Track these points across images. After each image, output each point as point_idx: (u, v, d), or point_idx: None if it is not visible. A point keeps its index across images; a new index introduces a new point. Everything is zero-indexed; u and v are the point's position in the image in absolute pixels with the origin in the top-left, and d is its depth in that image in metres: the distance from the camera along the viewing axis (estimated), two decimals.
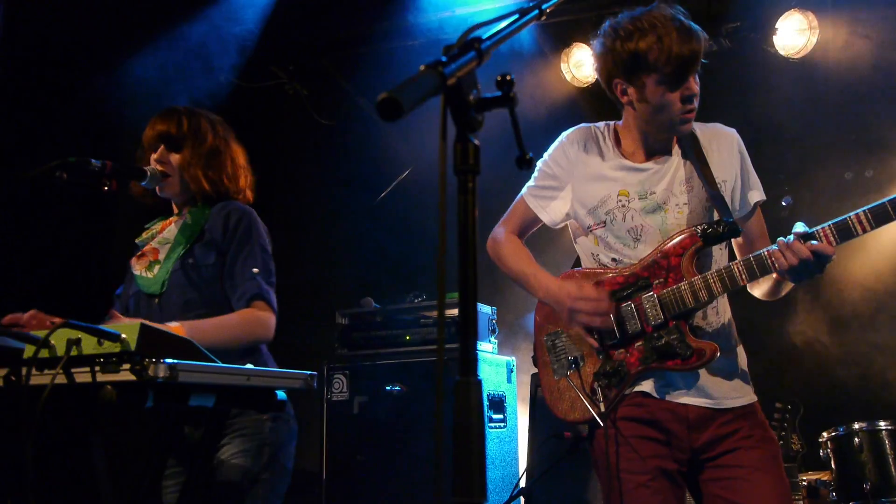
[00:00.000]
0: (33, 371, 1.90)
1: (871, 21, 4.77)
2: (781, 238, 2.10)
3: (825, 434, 4.12)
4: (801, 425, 3.31)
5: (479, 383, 0.98)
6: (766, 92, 4.99)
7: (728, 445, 2.18)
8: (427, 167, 5.42)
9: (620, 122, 2.38)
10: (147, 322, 1.84)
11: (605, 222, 2.28)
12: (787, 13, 4.73)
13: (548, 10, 1.41)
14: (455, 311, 3.91)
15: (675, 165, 2.28)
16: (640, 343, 2.20)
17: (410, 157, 5.76)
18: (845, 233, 2.08)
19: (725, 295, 2.27)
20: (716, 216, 2.23)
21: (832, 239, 2.08)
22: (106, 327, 1.83)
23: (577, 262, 2.45)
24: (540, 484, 3.92)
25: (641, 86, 2.19)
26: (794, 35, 4.77)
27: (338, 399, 4.47)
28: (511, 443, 4.55)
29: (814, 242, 2.05)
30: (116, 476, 2.24)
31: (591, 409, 2.18)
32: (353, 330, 4.62)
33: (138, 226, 2.84)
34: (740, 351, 2.32)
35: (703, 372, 2.18)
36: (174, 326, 2.21)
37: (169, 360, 1.77)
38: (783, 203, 5.39)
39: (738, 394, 2.24)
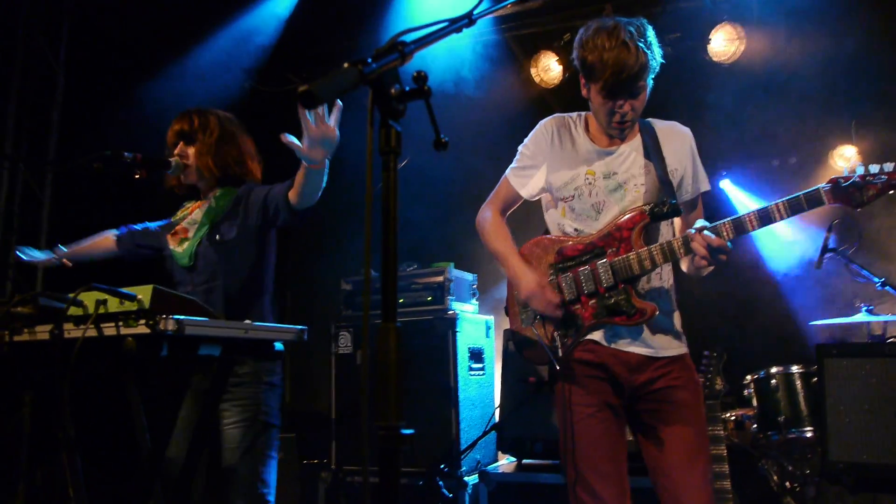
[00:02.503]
0: (70, 326, 1.94)
1: (789, 32, 4.74)
2: (689, 230, 2.15)
3: (748, 377, 4.16)
4: (726, 369, 3.33)
5: (397, 329, 0.98)
6: (704, 91, 4.96)
7: (660, 384, 2.24)
8: (417, 157, 5.41)
9: (591, 112, 2.39)
10: (158, 286, 1.86)
11: (573, 196, 2.29)
12: (719, 25, 4.71)
13: (476, 19, 1.40)
14: (440, 278, 3.93)
15: (636, 151, 2.29)
16: (593, 301, 2.24)
17: (406, 149, 5.72)
18: (740, 228, 2.11)
19: (669, 264, 2.31)
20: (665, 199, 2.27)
21: (730, 233, 2.12)
22: (124, 289, 1.84)
23: (547, 232, 2.46)
24: (510, 419, 3.96)
25: (589, 88, 2.24)
26: (724, 44, 4.74)
27: (343, 352, 4.50)
28: (489, 387, 4.58)
29: (712, 235, 2.09)
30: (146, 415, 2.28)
31: (550, 354, 2.26)
32: (355, 294, 4.64)
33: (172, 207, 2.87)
34: (677, 314, 2.36)
35: (644, 327, 2.23)
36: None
37: (177, 316, 1.80)
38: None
39: (671, 346, 2.28)
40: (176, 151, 2.63)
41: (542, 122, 2.42)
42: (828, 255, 4.04)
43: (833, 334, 4.65)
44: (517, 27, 5.27)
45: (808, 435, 3.85)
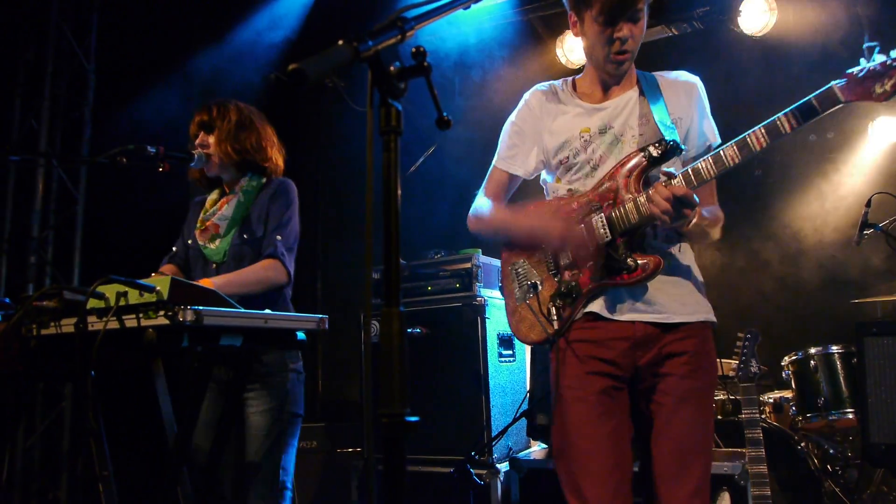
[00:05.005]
0: (94, 318, 1.96)
1: (821, 1, 4.58)
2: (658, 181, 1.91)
3: (786, 358, 4.05)
4: (762, 349, 3.25)
5: (400, 313, 0.95)
6: (735, 65, 4.83)
7: (667, 369, 1.99)
8: (443, 144, 5.38)
9: (578, 76, 2.21)
10: (177, 277, 1.86)
11: (568, 157, 2.09)
12: None
13: None
14: (468, 265, 3.89)
15: (633, 102, 2.07)
16: (590, 263, 2.01)
17: (434, 135, 5.70)
18: (697, 175, 1.88)
19: None
20: None
21: (691, 179, 1.88)
22: (143, 281, 1.85)
23: None
24: (540, 405, 3.92)
25: (583, 20, 2.04)
26: (755, 16, 4.60)
27: (374, 341, 4.49)
28: (519, 374, 4.54)
29: (673, 182, 1.86)
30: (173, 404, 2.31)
31: (545, 329, 2.03)
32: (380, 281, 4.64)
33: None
34: (693, 268, 2.09)
35: (651, 286, 1.97)
36: (206, 281, 2.27)
37: (195, 307, 1.80)
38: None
39: (685, 308, 2.01)
40: (197, 142, 2.65)
41: (525, 94, 2.24)
42: (867, 230, 3.89)
43: (873, 312, 4.50)
44: (541, 7, 5.18)
45: (849, 416, 3.74)
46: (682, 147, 1.99)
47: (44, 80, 5.08)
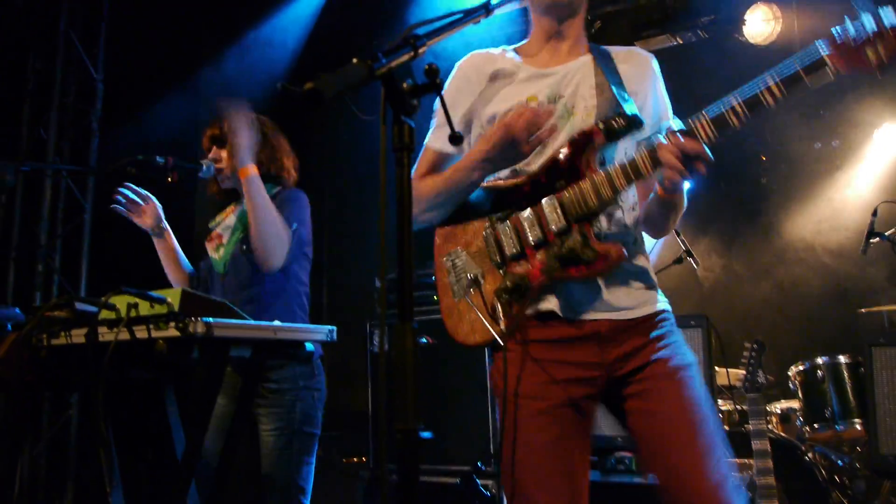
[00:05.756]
0: (105, 329, 1.97)
1: (827, 10, 4.58)
2: (657, 135, 1.69)
3: (793, 368, 4.04)
4: (766, 360, 3.25)
5: (413, 329, 0.96)
6: (740, 75, 4.84)
7: (642, 360, 1.74)
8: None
9: (520, 43, 1.97)
10: (188, 288, 1.88)
11: None
12: (753, 6, 4.59)
13: (494, 9, 1.37)
14: None
15: (585, 70, 1.83)
16: (541, 252, 1.73)
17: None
18: (721, 122, 1.60)
19: (634, 197, 1.85)
20: None
21: (709, 132, 1.60)
22: (153, 293, 1.86)
23: None
24: None
25: None
26: (760, 25, 4.62)
27: (375, 351, 4.51)
28: None
29: (682, 139, 1.60)
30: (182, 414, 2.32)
31: (490, 328, 1.73)
32: (389, 293, 4.65)
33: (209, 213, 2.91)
34: (647, 258, 1.87)
35: (608, 283, 1.75)
36: (243, 170, 2.49)
37: (206, 319, 1.81)
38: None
39: (648, 300, 1.80)
40: (210, 156, 2.66)
41: (458, 63, 1.97)
42: (873, 239, 3.89)
43: (880, 322, 4.49)
44: None
45: (857, 427, 3.73)
46: (643, 121, 1.77)
47: (52, 89, 5.12)
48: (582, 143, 1.73)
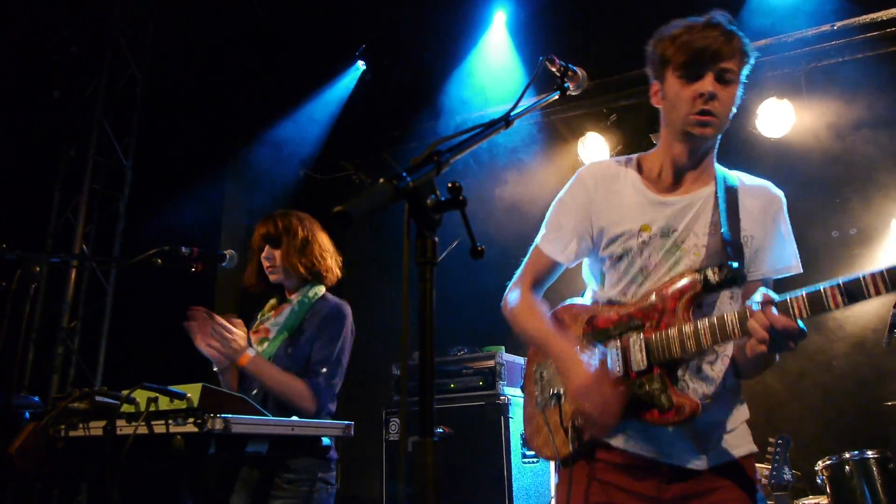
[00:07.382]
0: (123, 423, 1.98)
1: (840, 103, 4.69)
2: (749, 302, 1.62)
3: (820, 463, 3.92)
4: (793, 455, 3.17)
5: (434, 443, 0.96)
6: (753, 167, 4.91)
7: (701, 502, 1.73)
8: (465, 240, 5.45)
9: (646, 153, 1.94)
10: (207, 384, 1.89)
11: (621, 257, 1.82)
12: (766, 100, 4.70)
13: (513, 120, 1.42)
14: (491, 363, 3.85)
15: (704, 204, 1.80)
16: (621, 388, 1.71)
17: (455, 232, 5.80)
18: (817, 304, 1.55)
19: (726, 348, 1.78)
20: None
21: (804, 311, 1.55)
22: (174, 388, 1.88)
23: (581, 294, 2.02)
24: None
25: (664, 81, 1.79)
26: (772, 118, 4.71)
27: (394, 439, 4.44)
28: (544, 475, 4.43)
29: (776, 313, 1.55)
30: None
31: (558, 450, 1.79)
32: (406, 380, 4.62)
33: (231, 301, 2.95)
34: (740, 411, 1.83)
35: (676, 431, 1.71)
36: (245, 357, 2.43)
37: (224, 415, 1.81)
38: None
39: (716, 452, 1.76)
40: (263, 255, 2.71)
41: (579, 170, 1.96)
42: None
43: None
44: (563, 110, 5.36)
45: None
46: (743, 277, 1.75)
47: (83, 175, 5.30)
48: (678, 287, 1.72)
